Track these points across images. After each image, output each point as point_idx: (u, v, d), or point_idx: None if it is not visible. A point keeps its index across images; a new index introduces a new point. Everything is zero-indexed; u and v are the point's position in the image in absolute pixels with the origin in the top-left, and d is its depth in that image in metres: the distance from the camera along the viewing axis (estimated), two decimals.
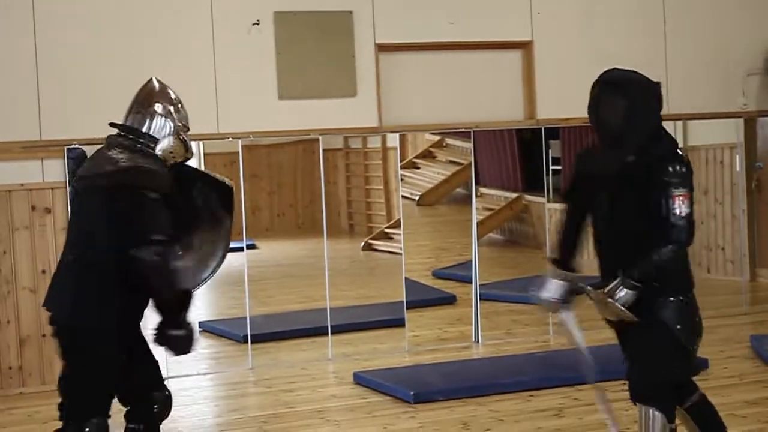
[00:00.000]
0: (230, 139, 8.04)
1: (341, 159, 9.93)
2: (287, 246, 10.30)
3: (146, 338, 4.66)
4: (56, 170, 7.59)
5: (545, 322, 8.60)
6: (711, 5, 9.47)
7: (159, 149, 4.60)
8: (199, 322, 8.24)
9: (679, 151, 4.49)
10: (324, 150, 8.34)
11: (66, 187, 7.51)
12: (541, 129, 8.91)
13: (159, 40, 7.85)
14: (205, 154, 8.79)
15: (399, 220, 8.94)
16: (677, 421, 4.56)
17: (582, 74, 4.76)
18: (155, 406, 4.71)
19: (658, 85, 4.48)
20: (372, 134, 8.99)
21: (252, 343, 8.13)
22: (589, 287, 4.55)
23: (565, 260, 4.70)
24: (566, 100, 8.43)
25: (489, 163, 9.78)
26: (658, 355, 4.45)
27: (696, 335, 4.51)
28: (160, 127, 4.62)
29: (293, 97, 8.20)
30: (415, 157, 10.19)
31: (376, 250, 9.88)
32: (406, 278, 8.53)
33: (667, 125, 4.61)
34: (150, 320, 4.60)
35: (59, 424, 4.56)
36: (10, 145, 7.52)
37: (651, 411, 4.43)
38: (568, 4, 9.03)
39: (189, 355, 4.64)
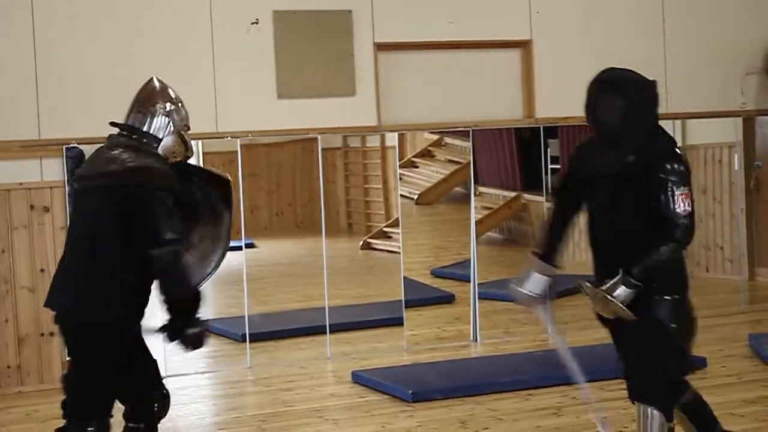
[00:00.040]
0: (229, 138, 8.05)
1: (340, 158, 9.91)
2: (286, 245, 10.28)
3: (145, 338, 4.67)
4: (55, 169, 7.60)
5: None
6: (710, 5, 9.47)
7: (160, 148, 4.61)
8: None
9: (677, 149, 4.48)
10: (323, 149, 8.34)
11: (65, 187, 7.52)
12: (539, 128, 8.92)
13: (158, 40, 7.85)
14: (204, 153, 8.77)
15: (398, 219, 8.93)
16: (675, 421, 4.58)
17: (581, 74, 4.76)
18: (155, 405, 4.72)
19: (654, 83, 4.47)
20: (371, 133, 8.99)
21: (250, 341, 8.13)
22: (587, 283, 4.53)
23: (548, 255, 4.68)
24: (565, 100, 8.42)
25: (488, 162, 9.77)
26: (653, 354, 4.45)
27: (691, 334, 4.51)
28: (161, 126, 4.63)
29: (292, 96, 8.20)
30: (413, 156, 10.18)
31: (375, 249, 9.86)
32: (404, 277, 8.54)
33: (666, 124, 4.60)
34: (149, 320, 4.61)
35: (58, 423, 4.56)
36: (9, 144, 7.53)
37: (649, 410, 4.44)
38: (567, 3, 9.03)
39: (194, 351, 4.73)
